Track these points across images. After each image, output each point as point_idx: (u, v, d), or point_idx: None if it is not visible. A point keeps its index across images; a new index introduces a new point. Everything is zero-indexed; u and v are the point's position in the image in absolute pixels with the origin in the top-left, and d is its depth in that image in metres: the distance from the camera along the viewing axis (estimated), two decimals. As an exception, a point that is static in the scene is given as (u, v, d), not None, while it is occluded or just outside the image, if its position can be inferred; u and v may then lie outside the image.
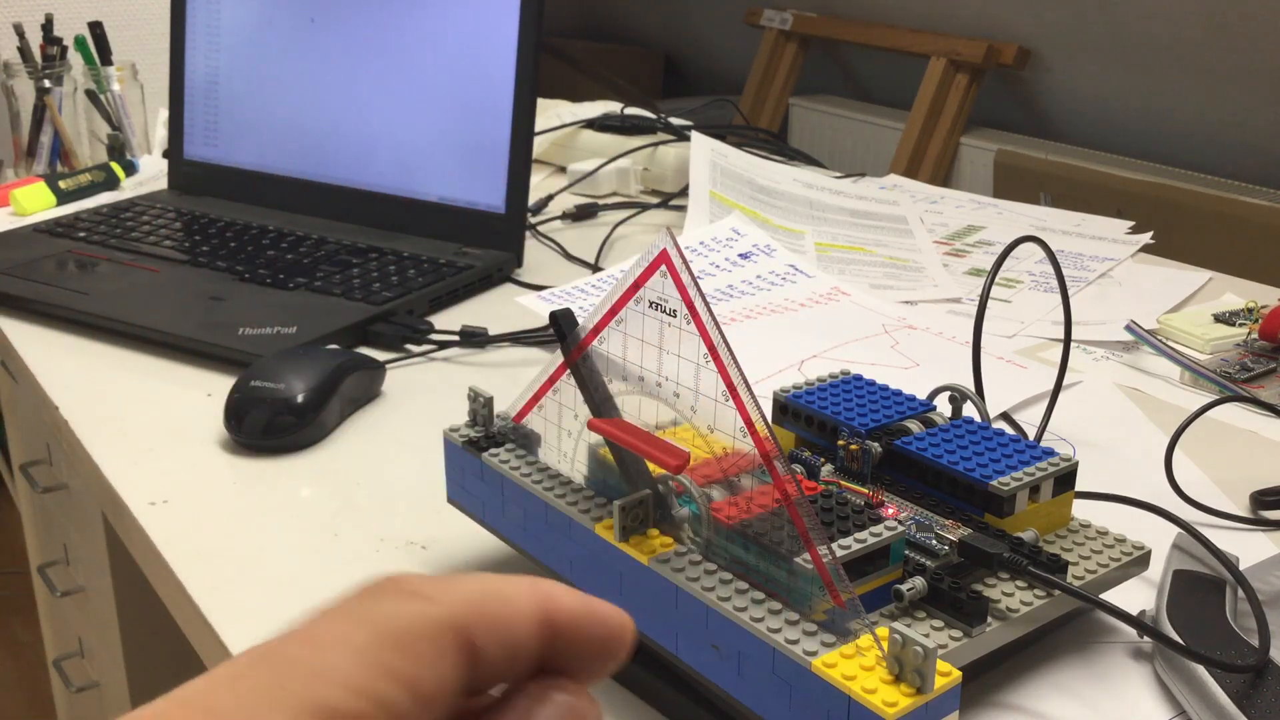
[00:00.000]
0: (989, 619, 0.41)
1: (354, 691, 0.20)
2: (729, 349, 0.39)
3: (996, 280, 0.76)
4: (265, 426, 0.64)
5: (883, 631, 0.36)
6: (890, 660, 0.35)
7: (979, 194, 1.23)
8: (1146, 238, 1.05)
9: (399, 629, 0.21)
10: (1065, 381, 0.65)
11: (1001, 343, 0.81)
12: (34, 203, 1.11)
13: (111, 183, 1.20)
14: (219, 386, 0.70)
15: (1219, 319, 0.83)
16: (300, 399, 0.65)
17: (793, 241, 1.00)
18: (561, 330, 0.44)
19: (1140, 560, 0.47)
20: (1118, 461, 0.64)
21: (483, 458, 0.49)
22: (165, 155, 1.15)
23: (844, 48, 2.80)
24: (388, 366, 0.74)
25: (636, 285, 0.42)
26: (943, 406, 0.54)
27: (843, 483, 0.50)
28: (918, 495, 0.49)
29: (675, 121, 1.31)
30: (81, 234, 0.97)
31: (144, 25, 1.57)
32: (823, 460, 0.52)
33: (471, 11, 0.93)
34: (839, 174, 1.27)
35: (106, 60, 1.29)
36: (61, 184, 1.15)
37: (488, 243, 0.94)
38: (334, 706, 0.19)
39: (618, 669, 0.24)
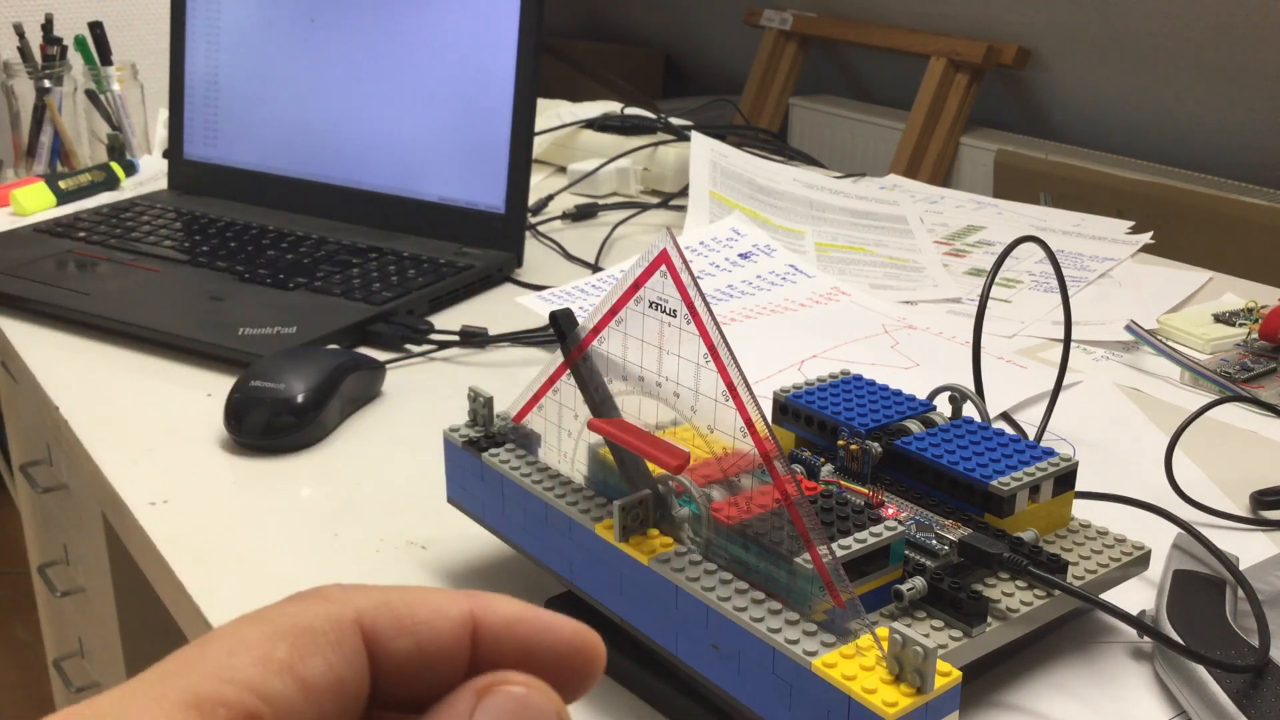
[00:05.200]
0: (989, 619, 0.41)
1: (235, 684, 0.20)
2: (729, 349, 0.39)
3: (996, 280, 0.76)
4: (265, 426, 0.64)
5: (883, 631, 0.36)
6: (890, 660, 0.35)
7: (979, 194, 1.23)
8: (1146, 238, 1.05)
9: (292, 625, 0.21)
10: (1065, 381, 0.65)
11: (1001, 343, 0.81)
12: (34, 203, 1.11)
13: (111, 183, 1.20)
14: (219, 386, 0.70)
15: (1219, 319, 0.83)
16: (300, 399, 0.65)
17: (793, 241, 1.00)
18: (561, 330, 0.44)
19: (1140, 560, 0.47)
20: (1118, 461, 0.64)
21: (483, 458, 0.49)
22: (165, 155, 1.15)
23: (844, 48, 2.80)
24: (388, 366, 0.74)
25: (636, 285, 0.42)
26: (943, 406, 0.54)
27: (843, 483, 0.50)
28: (918, 495, 0.49)
29: (675, 121, 1.31)
30: (82, 234, 0.97)
31: (144, 25, 1.57)
32: (823, 460, 0.52)
33: (471, 11, 0.93)
34: (839, 174, 1.27)
35: (106, 60, 1.29)
36: (61, 184, 1.15)
37: (488, 243, 0.94)
38: (210, 696, 0.20)
39: (585, 689, 0.23)
